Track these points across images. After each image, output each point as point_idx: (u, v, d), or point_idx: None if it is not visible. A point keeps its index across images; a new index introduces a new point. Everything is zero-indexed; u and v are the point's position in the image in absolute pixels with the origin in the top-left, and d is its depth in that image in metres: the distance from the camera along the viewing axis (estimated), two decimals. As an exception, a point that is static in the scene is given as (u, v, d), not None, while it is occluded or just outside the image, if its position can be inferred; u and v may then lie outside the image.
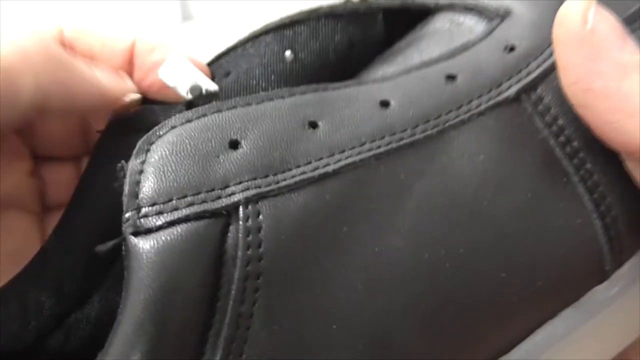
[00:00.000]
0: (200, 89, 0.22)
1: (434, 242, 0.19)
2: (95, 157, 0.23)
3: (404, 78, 0.21)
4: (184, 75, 0.22)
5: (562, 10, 0.20)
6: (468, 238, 0.19)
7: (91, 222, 0.22)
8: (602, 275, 0.21)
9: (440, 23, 0.25)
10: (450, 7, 0.25)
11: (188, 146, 0.18)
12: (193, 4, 0.49)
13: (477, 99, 0.21)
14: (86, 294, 0.22)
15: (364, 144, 0.19)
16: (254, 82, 0.24)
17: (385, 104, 0.20)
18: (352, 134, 0.19)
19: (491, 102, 0.21)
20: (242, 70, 0.24)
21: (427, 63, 0.22)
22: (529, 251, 0.20)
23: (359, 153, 0.19)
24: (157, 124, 0.19)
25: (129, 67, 0.25)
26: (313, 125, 0.19)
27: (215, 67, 0.25)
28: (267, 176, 0.18)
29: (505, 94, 0.21)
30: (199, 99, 0.22)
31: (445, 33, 0.24)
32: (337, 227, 0.18)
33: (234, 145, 0.18)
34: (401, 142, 0.19)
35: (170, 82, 0.22)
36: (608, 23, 0.19)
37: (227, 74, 0.24)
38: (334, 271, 0.18)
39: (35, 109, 0.21)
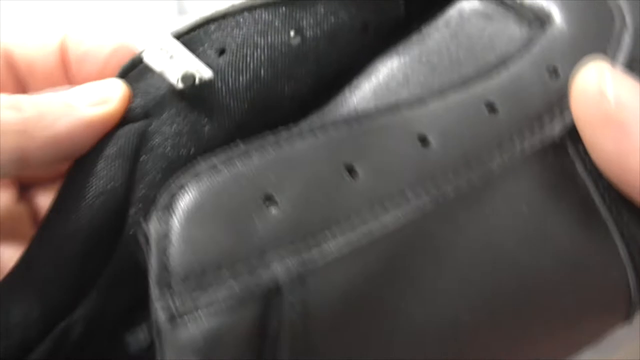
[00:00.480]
0: (194, 77, 0.20)
1: (477, 303, 0.18)
2: (77, 160, 0.21)
3: (441, 105, 0.20)
4: (172, 60, 0.20)
5: (578, 84, 0.18)
6: (510, 296, 0.18)
7: (76, 229, 0.20)
8: (626, 322, 0.21)
9: (469, 13, 0.23)
10: None
11: (218, 204, 0.16)
12: (186, 2, 0.47)
13: (518, 136, 0.19)
14: (74, 302, 0.21)
15: (405, 193, 0.18)
16: (255, 65, 0.21)
17: (423, 139, 0.19)
18: (392, 182, 0.18)
19: (535, 143, 0.19)
20: (237, 48, 0.21)
21: (464, 83, 0.20)
22: (567, 303, 0.19)
23: (400, 205, 0.17)
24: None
25: (64, 65, 0.23)
26: (350, 170, 0.18)
27: (204, 39, 0.22)
28: (305, 238, 0.16)
29: (549, 133, 0.19)
30: (192, 87, 0.20)
31: (477, 32, 0.22)
32: (381, 293, 0.17)
33: (269, 200, 0.17)
34: (444, 193, 0.18)
35: (157, 67, 0.20)
36: (632, 91, 0.17)
37: (221, 51, 0.21)
38: (378, 340, 0.17)
39: (17, 169, 0.20)
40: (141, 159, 0.20)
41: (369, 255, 0.17)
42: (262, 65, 0.21)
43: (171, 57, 0.20)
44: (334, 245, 0.16)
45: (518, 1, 0.22)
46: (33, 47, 0.23)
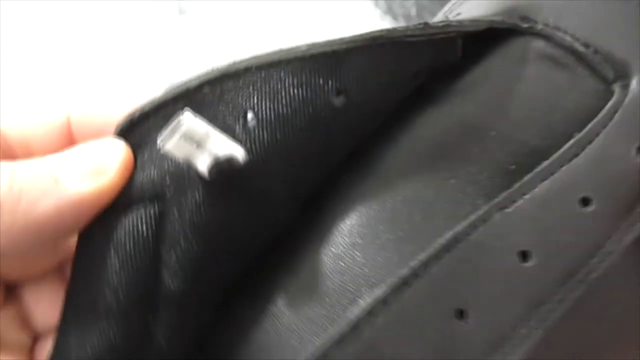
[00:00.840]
0: (226, 163, 0.17)
1: None
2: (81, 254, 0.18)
3: (533, 205, 0.17)
4: (199, 147, 0.17)
5: None
6: None
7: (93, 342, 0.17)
8: None
9: (531, 62, 0.19)
10: (547, 37, 0.19)
11: None
12: (185, 2, 0.47)
13: (615, 234, 0.17)
14: None
15: (517, 330, 0.16)
16: (292, 133, 0.18)
17: (525, 255, 0.17)
18: (502, 317, 0.16)
19: (630, 237, 0.17)
20: (265, 112, 0.18)
21: (550, 169, 0.18)
22: None
23: (514, 347, 0.16)
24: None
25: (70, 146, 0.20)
26: (461, 313, 0.16)
27: (222, 102, 0.18)
28: None
29: None
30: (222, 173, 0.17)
31: (543, 88, 0.19)
32: None
33: None
34: (554, 316, 0.17)
35: (179, 154, 0.17)
36: None
37: (244, 114, 0.18)
38: None
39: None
40: (162, 253, 0.18)
41: None
42: (302, 135, 0.18)
43: (198, 144, 0.17)
44: None
45: (591, 48, 0.19)
46: (33, 130, 0.20)
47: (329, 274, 0.18)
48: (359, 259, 0.18)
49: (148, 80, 0.43)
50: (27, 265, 0.20)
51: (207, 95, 0.18)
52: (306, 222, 0.19)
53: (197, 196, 0.17)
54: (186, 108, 0.17)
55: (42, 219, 0.17)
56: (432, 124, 0.20)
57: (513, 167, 0.18)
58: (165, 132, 0.16)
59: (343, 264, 0.18)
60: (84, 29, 0.46)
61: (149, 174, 0.18)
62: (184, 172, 0.17)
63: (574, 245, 0.17)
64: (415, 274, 0.17)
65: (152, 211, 0.17)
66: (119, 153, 0.18)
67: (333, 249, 0.18)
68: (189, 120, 0.16)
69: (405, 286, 0.16)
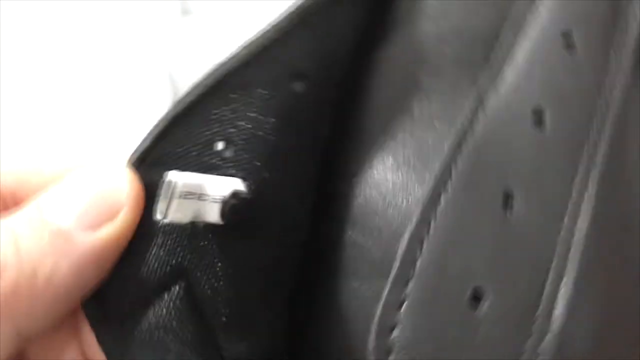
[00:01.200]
0: (231, 201, 0.16)
1: None
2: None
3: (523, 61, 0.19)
4: (197, 196, 0.16)
5: None
6: None
7: None
8: None
9: None
10: None
11: None
12: (190, 2, 0.47)
13: (608, 69, 0.19)
14: None
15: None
16: (271, 136, 0.18)
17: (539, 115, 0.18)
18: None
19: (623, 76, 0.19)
20: (236, 134, 0.17)
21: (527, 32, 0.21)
22: None
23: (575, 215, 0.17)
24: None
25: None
26: (507, 200, 0.17)
27: (189, 142, 0.17)
28: None
29: None
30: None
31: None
32: None
33: None
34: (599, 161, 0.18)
35: (185, 217, 0.16)
36: None
37: (217, 144, 0.17)
38: None
39: (17, 347, 0.16)
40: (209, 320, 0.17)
41: None
42: (277, 133, 0.18)
43: (199, 197, 0.16)
44: None
45: None
46: None
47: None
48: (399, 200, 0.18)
49: (148, 82, 0.43)
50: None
51: (174, 139, 0.17)
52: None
53: (215, 250, 0.17)
54: (166, 172, 0.16)
55: (63, 288, 0.15)
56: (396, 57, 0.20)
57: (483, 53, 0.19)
58: (161, 202, 0.15)
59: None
60: (85, 31, 0.46)
61: (164, 257, 0.17)
62: (191, 234, 0.16)
63: (576, 89, 0.18)
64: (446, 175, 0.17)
65: (177, 292, 0.17)
66: (125, 187, 0.16)
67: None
68: (179, 178, 0.15)
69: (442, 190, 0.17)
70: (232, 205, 0.16)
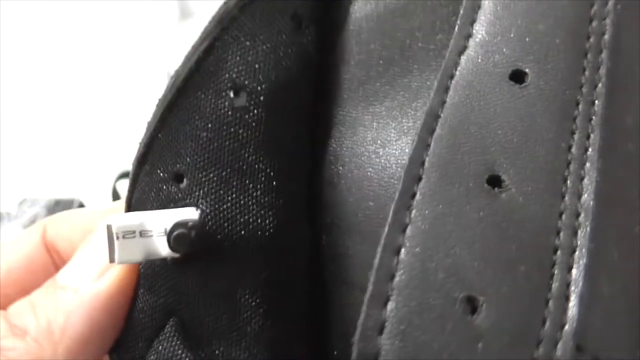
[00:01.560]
0: (181, 230, 0.16)
1: None
2: None
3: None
4: (138, 234, 0.16)
5: None
6: None
7: None
8: None
9: None
10: None
11: None
12: (191, 3, 0.47)
13: None
14: None
15: None
16: (223, 158, 0.17)
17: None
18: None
19: None
20: (192, 161, 0.17)
21: None
22: None
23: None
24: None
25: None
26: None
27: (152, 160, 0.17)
28: None
29: None
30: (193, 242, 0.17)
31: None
32: None
33: None
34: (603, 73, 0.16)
35: (136, 255, 0.16)
36: None
37: (178, 177, 0.17)
38: None
39: None
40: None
41: None
42: (229, 155, 0.17)
43: (140, 234, 0.16)
44: None
45: None
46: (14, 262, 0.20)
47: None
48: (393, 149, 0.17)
49: (147, 81, 0.43)
50: None
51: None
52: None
53: (192, 282, 0.17)
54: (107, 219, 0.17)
55: (79, 337, 0.17)
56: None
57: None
58: (108, 247, 0.16)
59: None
60: (86, 32, 0.46)
61: (146, 300, 0.18)
62: (164, 272, 0.17)
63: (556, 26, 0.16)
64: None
65: (169, 330, 0.18)
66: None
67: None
68: (115, 221, 0.16)
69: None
70: (180, 235, 0.16)
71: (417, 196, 0.15)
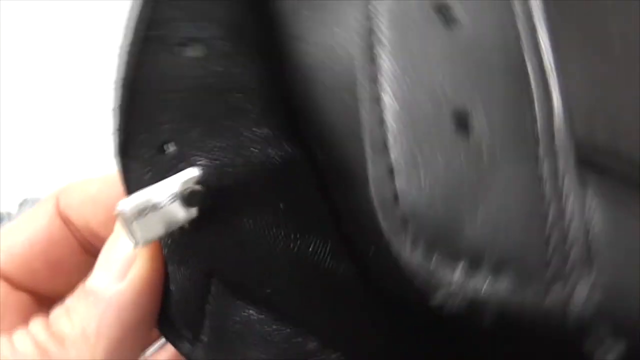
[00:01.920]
0: (190, 190, 0.16)
1: None
2: None
3: None
4: (151, 208, 0.16)
5: None
6: None
7: None
8: None
9: None
10: None
11: None
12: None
13: None
14: None
15: None
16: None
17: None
18: None
19: None
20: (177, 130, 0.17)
21: None
22: None
23: None
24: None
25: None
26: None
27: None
28: None
29: None
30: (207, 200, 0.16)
31: None
32: None
33: None
34: None
35: (158, 230, 0.16)
36: None
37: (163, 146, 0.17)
38: None
39: None
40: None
41: None
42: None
43: (153, 208, 0.16)
44: None
45: None
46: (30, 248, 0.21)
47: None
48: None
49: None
50: None
51: None
52: None
53: (215, 240, 0.17)
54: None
55: (117, 336, 0.18)
56: None
57: None
58: (126, 234, 0.16)
59: None
60: (86, 32, 0.46)
61: (183, 275, 0.18)
62: (186, 241, 0.17)
63: None
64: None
65: (216, 290, 0.18)
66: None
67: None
68: (124, 204, 0.16)
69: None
70: (191, 192, 0.16)
71: (377, 48, 0.15)
